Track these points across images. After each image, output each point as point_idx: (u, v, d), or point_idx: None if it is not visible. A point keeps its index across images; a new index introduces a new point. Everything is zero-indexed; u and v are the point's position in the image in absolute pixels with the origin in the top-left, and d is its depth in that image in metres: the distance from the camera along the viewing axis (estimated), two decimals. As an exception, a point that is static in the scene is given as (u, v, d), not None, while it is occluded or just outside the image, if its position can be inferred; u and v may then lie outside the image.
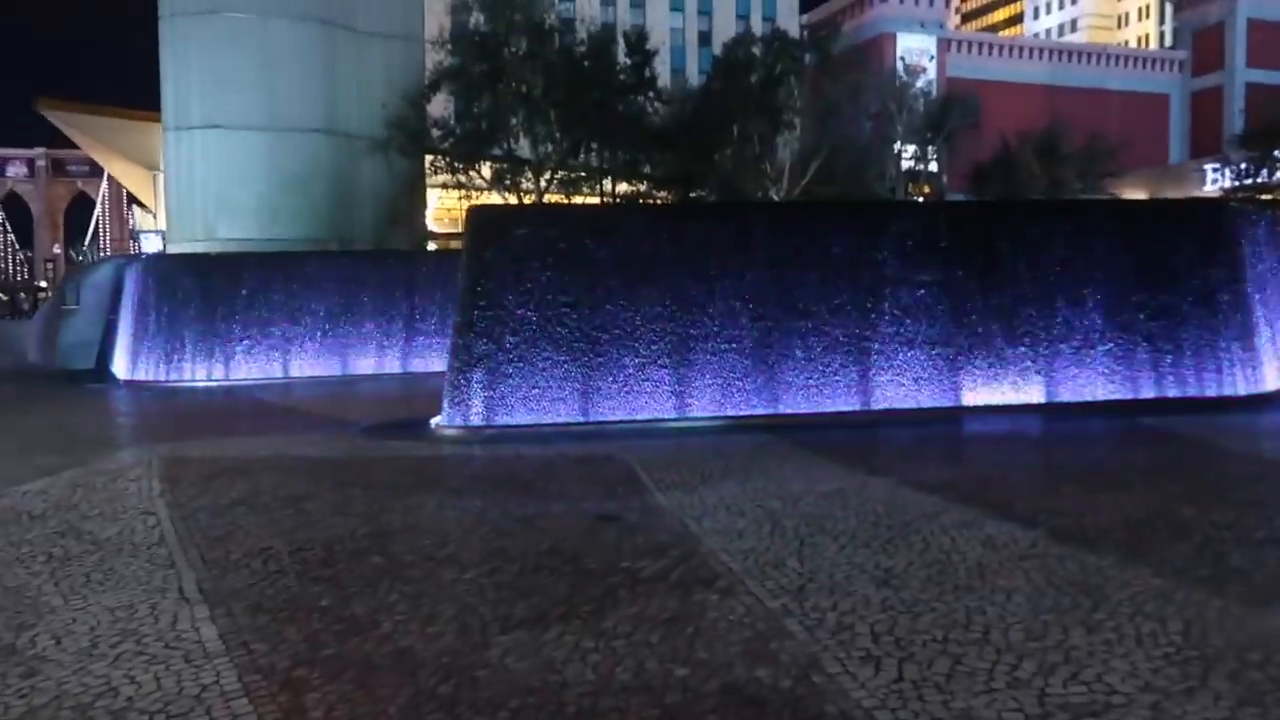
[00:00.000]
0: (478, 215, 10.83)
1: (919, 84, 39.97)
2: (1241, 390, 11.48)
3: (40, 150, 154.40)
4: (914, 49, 46.21)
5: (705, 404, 10.65)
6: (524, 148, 22.15)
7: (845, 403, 10.83)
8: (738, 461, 8.21)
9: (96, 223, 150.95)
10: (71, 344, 19.95)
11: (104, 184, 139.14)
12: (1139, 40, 70.67)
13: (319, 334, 17.53)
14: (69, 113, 41.83)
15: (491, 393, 10.41)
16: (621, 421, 10.47)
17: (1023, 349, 11.10)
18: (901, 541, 5.37)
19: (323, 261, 18.12)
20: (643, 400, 10.58)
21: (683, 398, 10.63)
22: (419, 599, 4.64)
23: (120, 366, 18.17)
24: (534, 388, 10.45)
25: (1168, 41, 70.34)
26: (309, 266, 17.80)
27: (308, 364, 17.50)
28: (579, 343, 10.53)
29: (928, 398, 10.94)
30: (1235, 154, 37.46)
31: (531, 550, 5.39)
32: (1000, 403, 10.98)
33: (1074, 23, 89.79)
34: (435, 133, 21.31)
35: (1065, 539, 5.39)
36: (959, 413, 10.86)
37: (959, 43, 55.25)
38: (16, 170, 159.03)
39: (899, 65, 44.24)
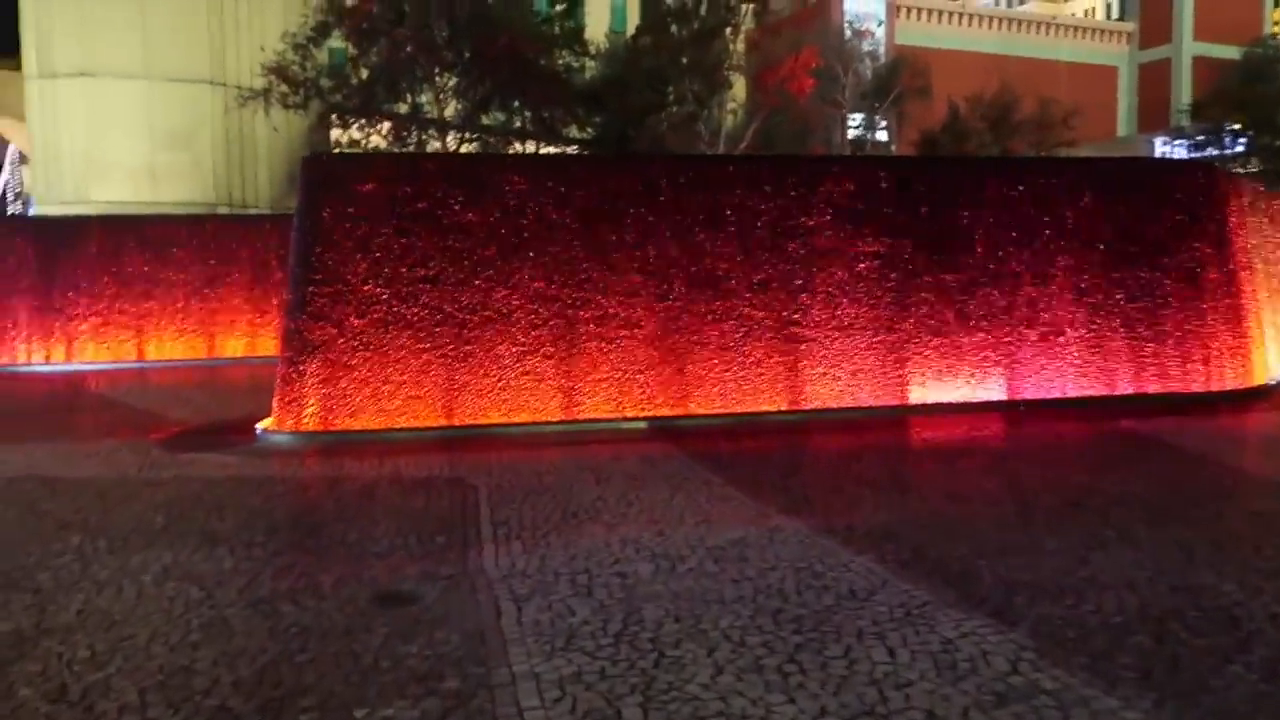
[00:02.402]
0: (313, 166, 8.72)
1: (865, 47, 38.14)
2: (1229, 384, 9.84)
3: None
4: (862, 13, 44.29)
5: (598, 403, 8.68)
6: (429, 104, 19.86)
7: (769, 401, 8.95)
8: (618, 488, 6.28)
9: None
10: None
11: None
12: (1086, 14, 69.80)
13: (179, 311, 15.21)
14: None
15: (330, 390, 8.33)
16: (494, 426, 8.47)
17: (981, 335, 9.31)
18: (812, 656, 3.47)
19: (184, 226, 15.74)
20: (522, 399, 8.58)
21: (571, 395, 8.66)
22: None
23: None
24: (385, 384, 8.39)
25: (1114, 15, 69.53)
26: (166, 231, 15.42)
27: (167, 346, 15.19)
28: (442, 327, 8.49)
29: (868, 395, 9.11)
30: (1189, 126, 36.28)
31: (228, 676, 3.38)
32: (954, 400, 9.20)
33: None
34: (326, 83, 18.95)
35: (1056, 646, 3.55)
36: (905, 414, 9.05)
37: (908, 8, 53.56)
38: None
39: (846, 29, 42.33)
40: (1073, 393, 9.44)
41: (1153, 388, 9.60)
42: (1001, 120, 33.49)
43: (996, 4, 70.59)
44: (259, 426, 8.49)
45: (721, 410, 8.84)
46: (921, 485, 6.45)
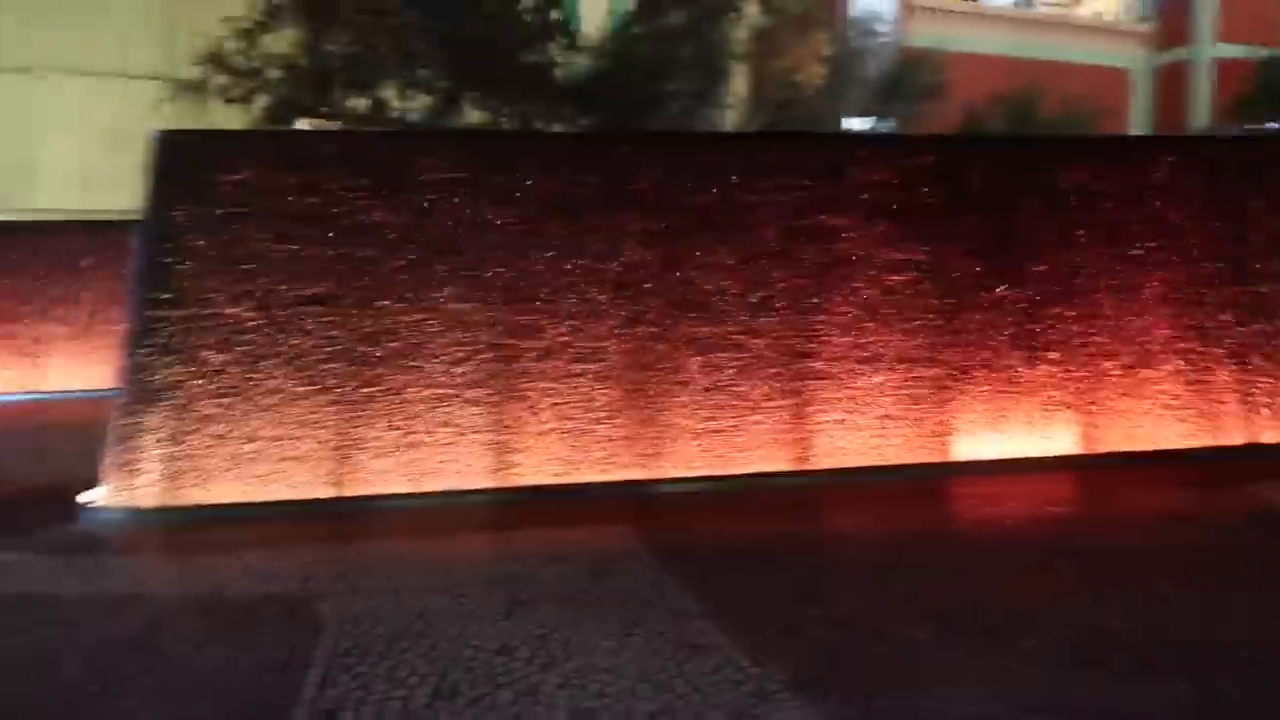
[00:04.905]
0: (166, 148, 6.58)
1: (877, 46, 36.05)
2: (1364, 430, 7.62)
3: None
4: (873, 12, 42.33)
5: (542, 463, 6.50)
6: (394, 99, 17.84)
7: (770, 458, 6.76)
8: (538, 625, 4.11)
9: None
10: None
11: None
12: (1099, 16, 67.79)
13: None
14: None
15: (177, 450, 6.16)
16: (397, 498, 6.30)
17: (1047, 368, 7.12)
18: None
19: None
20: (438, 459, 6.40)
21: (504, 454, 6.48)
22: None
23: None
24: (251, 441, 6.22)
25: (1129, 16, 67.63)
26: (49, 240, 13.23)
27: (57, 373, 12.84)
28: (334, 364, 6.34)
29: (900, 449, 6.91)
30: (1227, 127, 34.06)
31: None
32: (1011, 455, 7.01)
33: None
34: (274, 74, 16.89)
35: None
36: (949, 474, 6.85)
37: (920, 8, 51.59)
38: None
39: (853, 31, 40.30)
40: (1166, 444, 7.24)
41: (1268, 437, 7.40)
42: (1025, 119, 31.30)
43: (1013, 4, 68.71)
44: (83, 498, 6.30)
45: (706, 471, 6.65)
46: (1001, 623, 4.26)
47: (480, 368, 6.47)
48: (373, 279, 6.41)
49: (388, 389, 6.37)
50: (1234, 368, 7.33)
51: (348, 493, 6.28)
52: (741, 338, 6.73)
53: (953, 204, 6.96)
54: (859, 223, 6.82)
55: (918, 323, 6.90)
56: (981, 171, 7.02)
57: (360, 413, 6.34)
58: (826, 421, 6.83)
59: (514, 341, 6.51)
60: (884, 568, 4.87)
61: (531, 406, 6.51)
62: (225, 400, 6.22)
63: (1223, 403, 7.31)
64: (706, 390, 6.68)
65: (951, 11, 57.97)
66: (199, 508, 6.10)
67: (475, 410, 6.45)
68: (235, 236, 6.31)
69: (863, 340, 6.84)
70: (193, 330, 6.23)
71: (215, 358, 6.23)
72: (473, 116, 20.13)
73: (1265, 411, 7.34)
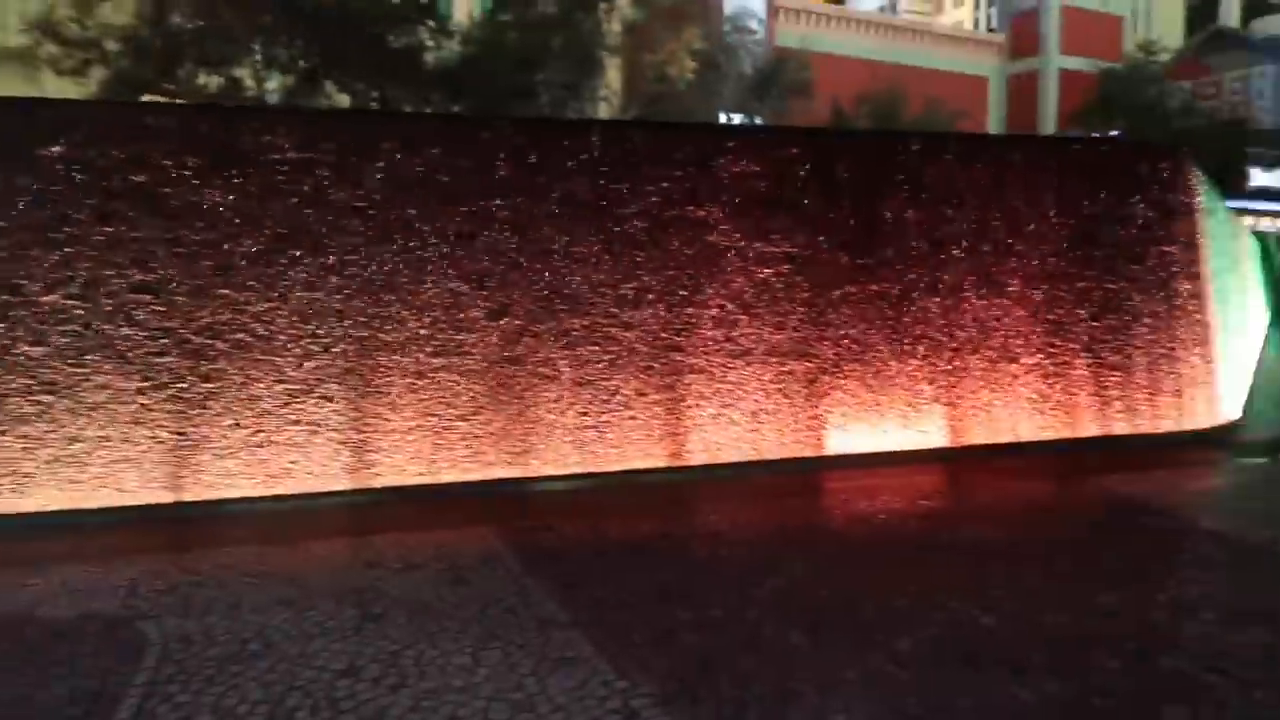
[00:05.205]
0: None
1: (746, 44, 36.51)
2: (1203, 421, 8.02)
3: None
4: (743, 11, 42.83)
5: (401, 462, 6.13)
6: (248, 78, 16.79)
7: (643, 454, 6.57)
8: (389, 639, 3.79)
9: None
10: None
11: None
12: (957, 26, 70.97)
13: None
14: None
15: (-16, 453, 5.51)
16: (244, 501, 5.82)
17: (917, 362, 7.18)
18: None
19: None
20: (289, 460, 5.95)
21: (362, 453, 6.07)
22: None
23: None
24: (74, 442, 5.63)
25: (983, 28, 70.99)
26: None
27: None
28: (170, 357, 5.79)
29: (774, 443, 6.84)
30: (1073, 132, 36.01)
31: None
32: (883, 448, 7.04)
33: (894, 4, 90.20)
34: (112, 46, 15.64)
35: None
36: (822, 468, 6.82)
37: (788, 9, 52.62)
38: None
39: (726, 27, 40.75)
40: (1028, 436, 7.42)
41: (1120, 428, 7.68)
42: (889, 120, 32.34)
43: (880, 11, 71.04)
44: (-127, 509, 5.58)
45: (577, 469, 6.42)
46: (880, 615, 4.17)
47: (335, 361, 6.04)
48: (212, 264, 5.89)
49: (232, 384, 5.87)
50: (1088, 362, 7.56)
51: (188, 497, 5.76)
52: (612, 330, 6.51)
53: (823, 197, 6.92)
54: (730, 214, 6.70)
55: (790, 316, 6.84)
56: (850, 166, 7.00)
57: (201, 410, 5.82)
58: (700, 416, 6.69)
59: (371, 333, 6.10)
60: (758, 566, 4.74)
61: (391, 402, 6.12)
62: (43, 398, 5.59)
63: (1078, 396, 7.54)
64: (577, 385, 6.44)
65: (818, 14, 59.48)
66: (12, 516, 5.47)
67: (330, 407, 6.02)
68: (52, 216, 5.68)
69: (735, 334, 6.73)
70: (3, 319, 5.58)
71: (30, 351, 5.59)
72: (339, 101, 19.33)
73: (1117, 404, 7.61)
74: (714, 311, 6.69)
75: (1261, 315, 18.01)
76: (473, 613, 4.06)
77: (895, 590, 4.36)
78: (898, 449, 7.04)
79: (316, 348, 6.00)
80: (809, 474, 6.70)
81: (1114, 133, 33.34)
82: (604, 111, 25.16)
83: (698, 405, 6.67)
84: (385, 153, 6.22)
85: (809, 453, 6.87)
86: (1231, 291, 11.04)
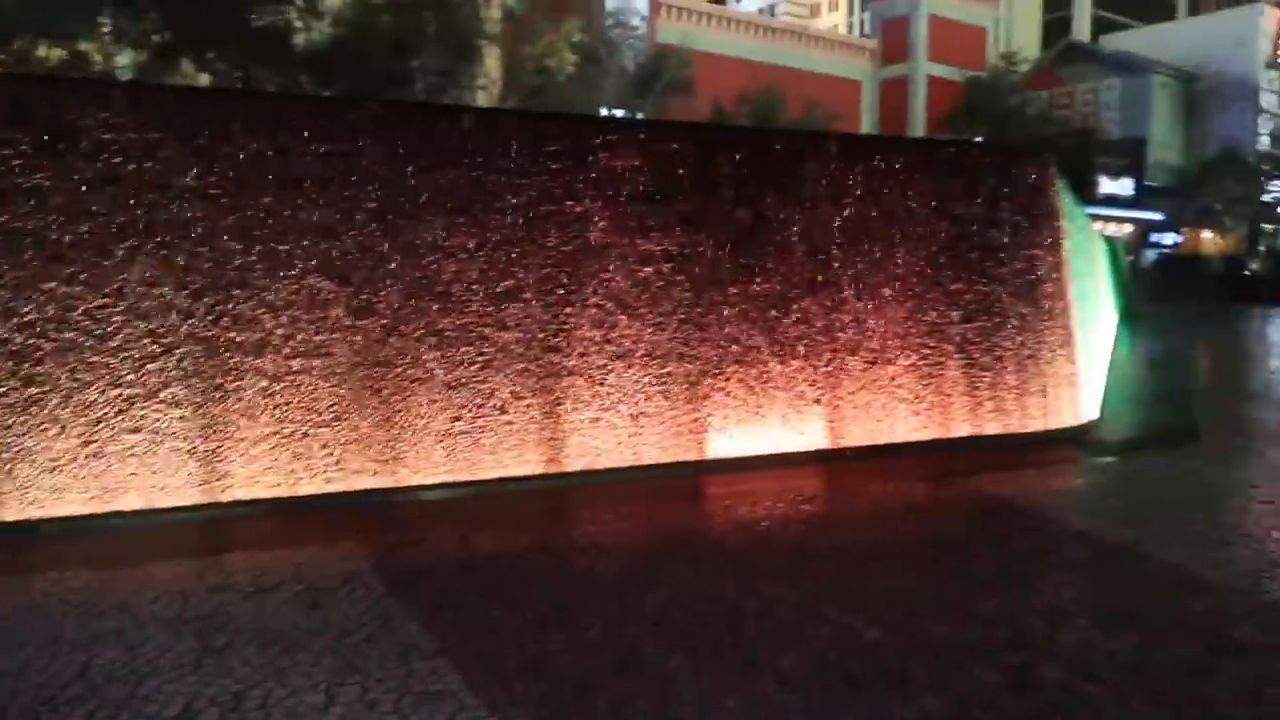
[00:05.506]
0: None
1: (628, 40, 36.43)
2: (1067, 421, 8.27)
3: None
4: (624, 7, 42.73)
5: (256, 473, 5.68)
6: (96, 51, 15.62)
7: (519, 460, 6.30)
8: (236, 672, 3.43)
9: None
10: None
11: None
12: (832, 30, 72.87)
13: None
14: None
15: None
16: (77, 519, 5.27)
17: (797, 363, 7.13)
18: None
19: None
20: (129, 471, 5.43)
21: (212, 463, 5.60)
22: None
23: None
24: None
25: (857, 33, 73.09)
26: None
27: None
28: (-13, 358, 5.19)
29: (655, 448, 6.67)
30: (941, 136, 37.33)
31: None
32: (765, 451, 6.97)
33: (773, 8, 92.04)
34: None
35: None
36: (705, 472, 6.70)
37: (669, 7, 52.82)
38: None
39: (608, 21, 40.58)
40: (904, 437, 7.48)
41: (991, 428, 7.83)
42: (768, 119, 32.78)
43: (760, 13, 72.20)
44: None
45: (449, 477, 6.09)
46: (763, 632, 4.03)
47: (180, 364, 5.54)
48: (37, 256, 5.30)
49: (59, 390, 5.30)
50: (961, 363, 7.68)
51: (8, 516, 5.18)
52: (486, 330, 6.21)
53: (705, 194, 6.78)
54: (610, 210, 6.49)
55: (671, 317, 6.67)
56: (734, 163, 6.89)
57: (23, 418, 5.24)
58: (579, 420, 6.46)
59: (221, 333, 5.63)
60: (638, 580, 4.55)
61: (245, 408, 5.66)
62: None
63: (951, 397, 7.64)
64: (449, 387, 6.11)
65: (700, 12, 59.98)
66: None
67: (175, 413, 5.51)
68: None
69: (615, 334, 6.52)
70: None
71: None
72: (198, 81, 18.22)
73: (988, 405, 7.76)
74: (593, 311, 6.47)
75: (1112, 316, 18.97)
76: (329, 642, 3.72)
77: (778, 601, 4.24)
78: (779, 451, 6.98)
79: (158, 348, 5.49)
80: (691, 479, 6.56)
81: (979, 139, 34.71)
82: (483, 100, 24.60)
83: (576, 409, 6.44)
84: (238, 135, 5.74)
85: (691, 457, 6.73)
86: (1089, 293, 11.50)
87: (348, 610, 4.06)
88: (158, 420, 5.48)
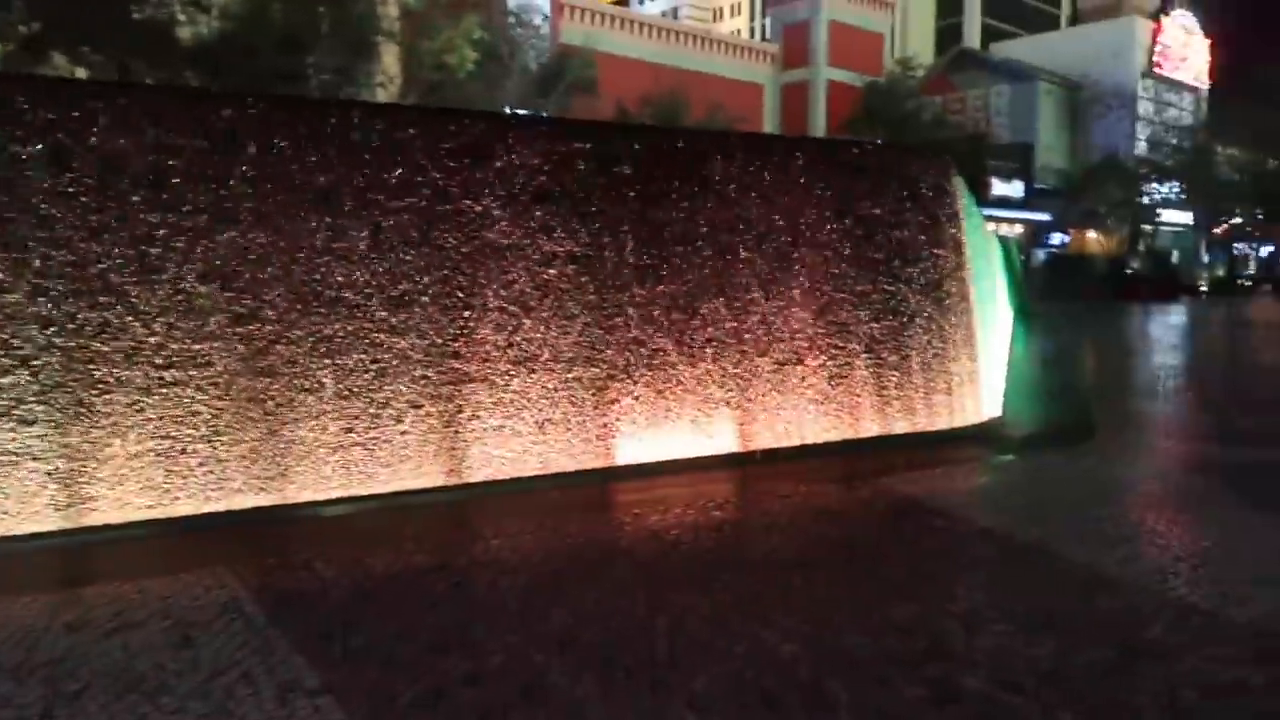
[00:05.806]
0: None
1: (530, 39, 36.05)
2: (971, 419, 8.33)
3: None
4: (526, 5, 42.31)
5: (128, 494, 5.23)
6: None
7: (418, 473, 5.97)
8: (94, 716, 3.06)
9: None
10: None
11: None
12: (735, 34, 73.75)
13: None
14: None
15: None
16: (-90, 551, 4.75)
17: (706, 366, 6.97)
18: None
19: None
20: (-24, 496, 4.92)
21: (75, 484, 5.12)
22: None
23: None
24: None
25: (759, 38, 74.07)
26: None
27: None
28: None
29: (562, 455, 6.42)
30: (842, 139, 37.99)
31: None
32: (675, 456, 6.78)
33: (675, 11, 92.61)
34: None
35: None
36: (613, 479, 6.47)
37: (572, 8, 52.58)
38: None
39: (510, 19, 40.11)
40: (814, 438, 7.40)
41: (899, 427, 7.82)
42: (671, 121, 32.82)
43: (663, 16, 72.46)
44: None
45: (342, 492, 5.73)
46: (675, 650, 3.82)
47: (37, 377, 5.05)
48: None
49: (-105, 407, 4.77)
50: (869, 363, 7.65)
51: None
52: (380, 336, 5.86)
53: (609, 194, 6.57)
54: (510, 209, 6.22)
55: (575, 320, 6.44)
56: (638, 162, 6.69)
57: None
58: (481, 428, 6.16)
59: (84, 343, 5.16)
60: (544, 598, 4.29)
61: (113, 424, 5.20)
62: None
63: (860, 397, 7.60)
64: (340, 397, 5.75)
65: (602, 13, 59.80)
66: None
67: (31, 431, 5.02)
68: None
69: (517, 338, 6.25)
70: None
71: None
72: (72, 75, 17.19)
73: (896, 404, 7.75)
74: (494, 315, 6.19)
75: (1009, 315, 19.48)
76: (198, 683, 3.37)
77: (691, 616, 4.05)
78: (689, 456, 6.81)
79: (11, 361, 4.99)
80: (600, 486, 6.33)
81: (878, 141, 35.43)
82: (382, 98, 23.93)
83: (478, 416, 6.14)
84: (103, 129, 5.28)
85: (599, 464, 6.50)
86: (988, 293, 11.69)
87: (222, 646, 3.70)
88: (12, 439, 4.99)
